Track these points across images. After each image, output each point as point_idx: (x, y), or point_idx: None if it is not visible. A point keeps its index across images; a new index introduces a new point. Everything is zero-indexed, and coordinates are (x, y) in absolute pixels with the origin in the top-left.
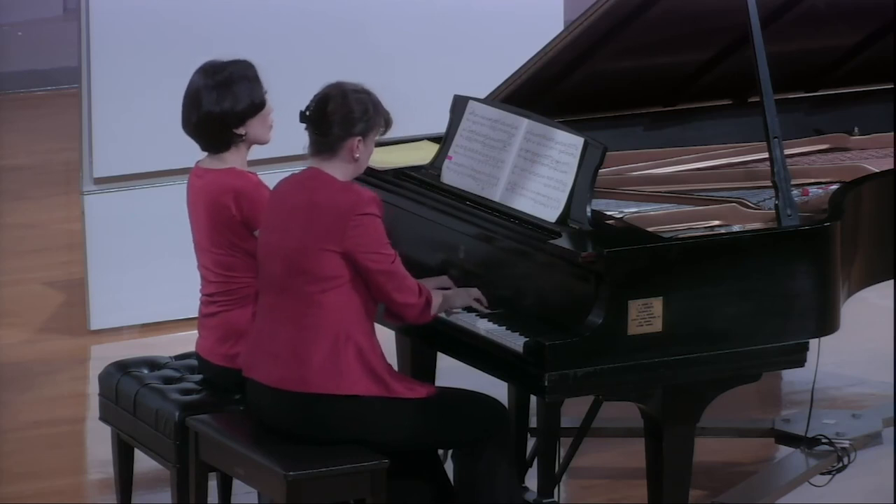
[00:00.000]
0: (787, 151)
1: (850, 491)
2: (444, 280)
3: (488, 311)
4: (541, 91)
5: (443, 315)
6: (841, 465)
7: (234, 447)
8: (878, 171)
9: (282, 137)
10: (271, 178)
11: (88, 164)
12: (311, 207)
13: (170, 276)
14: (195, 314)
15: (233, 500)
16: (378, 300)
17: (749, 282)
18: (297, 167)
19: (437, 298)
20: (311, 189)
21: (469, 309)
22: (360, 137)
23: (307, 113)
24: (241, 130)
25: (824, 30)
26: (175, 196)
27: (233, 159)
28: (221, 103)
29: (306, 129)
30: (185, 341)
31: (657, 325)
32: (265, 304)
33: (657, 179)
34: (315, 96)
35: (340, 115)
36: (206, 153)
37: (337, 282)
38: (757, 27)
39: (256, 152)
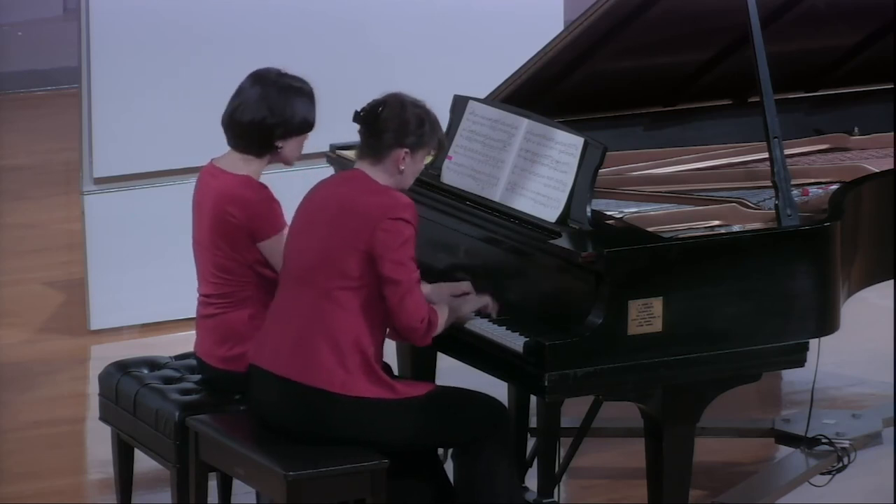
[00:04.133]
0: (787, 151)
1: (850, 491)
2: (465, 285)
3: (498, 317)
4: (541, 91)
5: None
6: (841, 465)
7: (234, 447)
8: (878, 171)
9: None
10: (272, 178)
11: (88, 164)
12: (346, 205)
13: (170, 276)
14: (195, 314)
15: (233, 500)
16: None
17: (749, 282)
18: (297, 168)
19: (443, 314)
20: (349, 188)
21: (478, 314)
22: (408, 150)
23: (361, 114)
24: (280, 144)
25: (824, 30)
26: (175, 196)
27: (252, 166)
28: (278, 113)
29: (359, 130)
30: (185, 341)
31: (657, 325)
32: (283, 297)
33: (657, 179)
34: (373, 100)
35: (395, 122)
36: (226, 149)
37: (357, 283)
38: (757, 27)
39: None
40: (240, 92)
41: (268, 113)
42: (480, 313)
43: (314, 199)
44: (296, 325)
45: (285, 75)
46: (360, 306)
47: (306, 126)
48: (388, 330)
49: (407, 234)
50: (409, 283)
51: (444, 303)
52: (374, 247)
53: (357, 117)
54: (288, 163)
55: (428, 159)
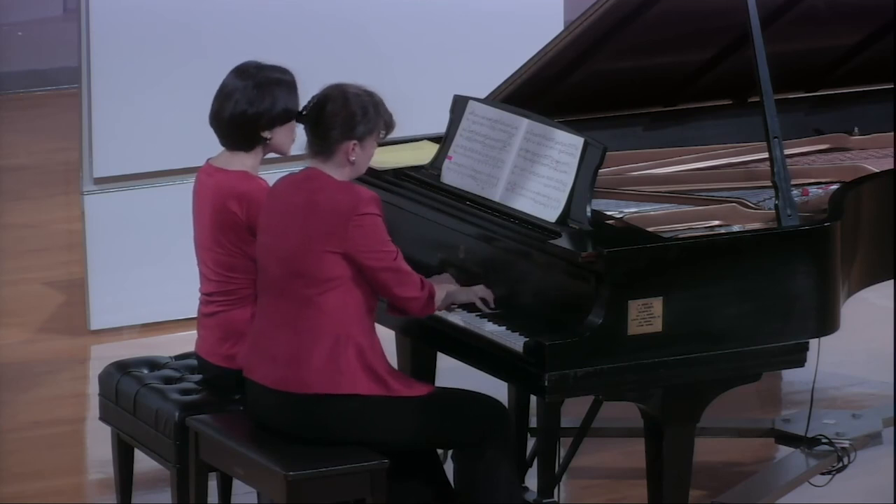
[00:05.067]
0: (787, 151)
1: (850, 491)
2: (446, 277)
3: (490, 310)
4: (541, 91)
5: (443, 314)
6: (841, 465)
7: (234, 447)
8: (878, 171)
9: None
10: (272, 178)
11: (88, 164)
12: (309, 208)
13: (170, 276)
14: (195, 314)
15: (233, 500)
16: (381, 296)
17: (749, 282)
18: (294, 167)
19: (440, 292)
20: (309, 190)
21: (471, 308)
22: (356, 141)
23: (304, 113)
24: (267, 134)
25: (824, 30)
26: (175, 196)
27: (247, 161)
28: (258, 104)
29: (305, 129)
30: (185, 341)
31: (657, 325)
32: (264, 305)
33: (657, 179)
34: (314, 97)
35: (340, 117)
36: (222, 149)
37: (336, 282)
38: (757, 27)
39: None
40: (221, 90)
41: (247, 106)
42: (474, 307)
43: (277, 204)
44: (284, 336)
45: (263, 67)
46: (343, 303)
47: (288, 114)
48: (387, 308)
49: (378, 225)
50: (396, 264)
51: (440, 286)
52: (349, 247)
53: (301, 118)
54: (282, 152)
55: (392, 152)
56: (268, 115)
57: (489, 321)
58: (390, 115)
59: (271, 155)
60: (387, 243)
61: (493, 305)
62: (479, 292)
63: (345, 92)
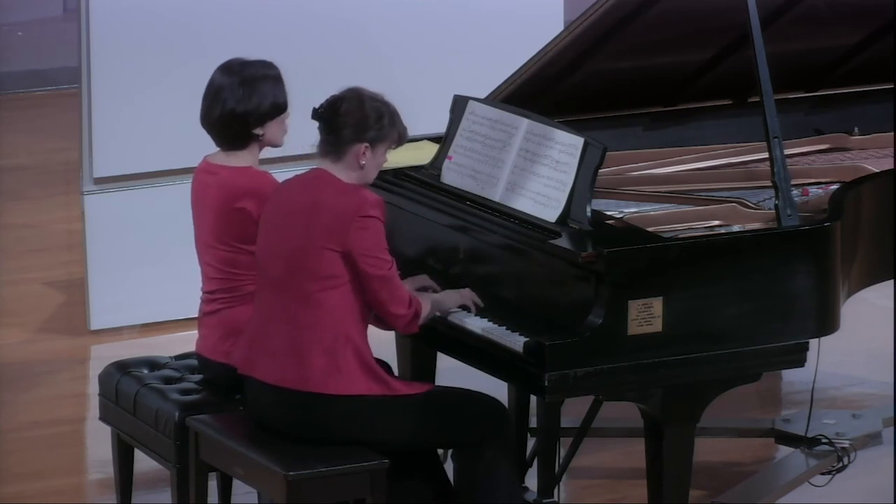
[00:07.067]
0: (787, 151)
1: (850, 491)
2: (424, 279)
3: (482, 307)
4: (541, 91)
5: (456, 321)
6: (841, 465)
7: (234, 447)
8: (878, 171)
9: None
10: (276, 177)
11: (88, 164)
12: (314, 207)
13: (170, 276)
14: (195, 314)
15: (233, 500)
16: (369, 304)
17: (749, 282)
18: (296, 167)
19: (426, 306)
20: (315, 189)
21: (462, 307)
22: (367, 145)
23: (319, 110)
24: (259, 131)
25: (824, 30)
26: (175, 196)
27: (246, 158)
28: (246, 102)
29: (318, 127)
30: (185, 341)
31: (657, 325)
32: (263, 302)
33: (657, 179)
34: (330, 96)
35: (353, 118)
36: (218, 148)
37: (337, 281)
38: (757, 27)
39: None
40: (207, 90)
41: (236, 105)
42: (465, 307)
43: (282, 203)
44: (284, 332)
45: (248, 63)
46: (343, 302)
47: (278, 109)
48: (372, 317)
49: (380, 230)
50: (390, 275)
51: (424, 296)
52: (351, 247)
53: (315, 114)
54: (275, 145)
55: (389, 153)
56: (257, 112)
57: (489, 321)
58: (405, 129)
59: (276, 153)
60: (384, 252)
61: (481, 305)
62: (466, 295)
63: (361, 95)
